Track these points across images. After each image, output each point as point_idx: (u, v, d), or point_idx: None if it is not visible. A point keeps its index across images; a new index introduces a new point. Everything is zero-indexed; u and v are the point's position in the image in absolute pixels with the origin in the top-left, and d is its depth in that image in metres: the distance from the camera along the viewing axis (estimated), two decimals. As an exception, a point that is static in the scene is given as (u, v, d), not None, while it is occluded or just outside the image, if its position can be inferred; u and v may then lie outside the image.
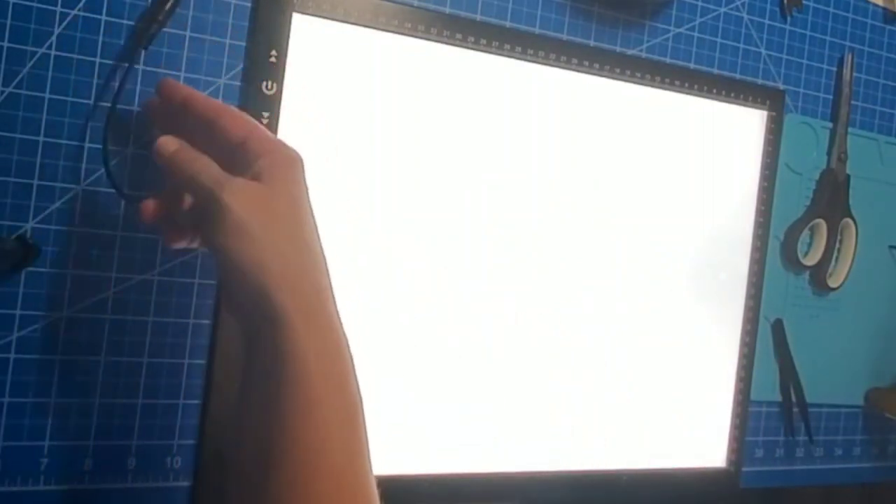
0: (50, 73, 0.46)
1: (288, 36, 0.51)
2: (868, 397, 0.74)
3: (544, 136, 0.59)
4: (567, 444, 0.61)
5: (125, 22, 0.48)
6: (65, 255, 0.47)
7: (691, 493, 0.66)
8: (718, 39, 0.66)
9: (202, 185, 0.40)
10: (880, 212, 0.73)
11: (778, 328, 0.69)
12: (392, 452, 0.55)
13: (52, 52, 0.46)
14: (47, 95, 0.46)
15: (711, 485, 0.67)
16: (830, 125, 0.71)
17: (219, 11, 0.50)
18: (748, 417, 0.68)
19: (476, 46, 0.56)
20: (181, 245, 0.46)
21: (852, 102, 0.71)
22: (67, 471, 0.48)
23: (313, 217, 0.42)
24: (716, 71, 0.66)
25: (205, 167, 0.41)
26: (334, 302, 0.40)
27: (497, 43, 0.57)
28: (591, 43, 0.61)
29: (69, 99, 0.47)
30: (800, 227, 0.69)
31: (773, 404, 0.70)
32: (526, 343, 0.59)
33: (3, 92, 0.46)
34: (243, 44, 0.51)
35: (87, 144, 0.47)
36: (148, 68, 0.49)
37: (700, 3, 0.65)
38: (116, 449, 0.49)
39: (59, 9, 0.46)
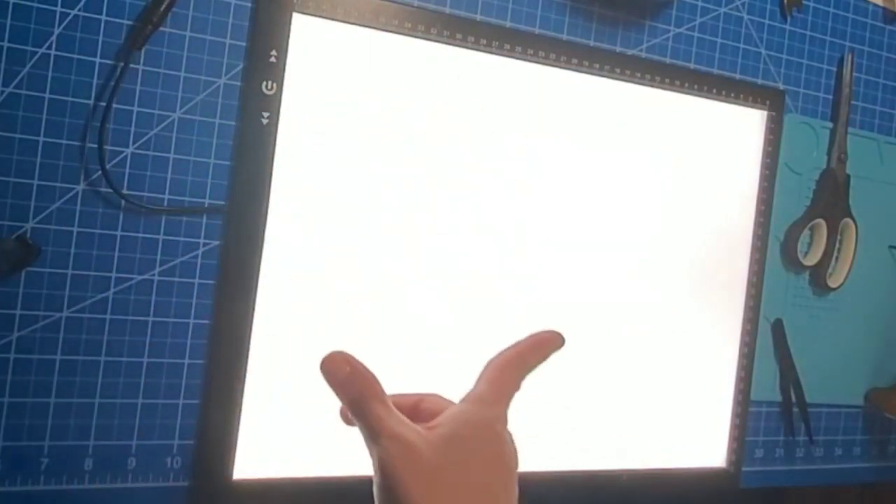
0: (50, 73, 0.46)
1: (288, 36, 0.51)
2: (868, 397, 0.74)
3: (544, 136, 0.59)
4: (567, 443, 0.61)
5: (125, 22, 0.48)
6: (65, 255, 0.47)
7: (691, 493, 0.66)
8: (718, 39, 0.66)
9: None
10: (880, 212, 0.73)
11: (778, 328, 0.69)
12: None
13: (52, 52, 0.46)
14: (47, 95, 0.46)
15: (711, 485, 0.67)
16: (830, 125, 0.71)
17: (219, 11, 0.50)
18: (748, 417, 0.68)
19: (476, 46, 0.56)
20: None
21: (852, 102, 0.71)
22: (67, 471, 0.48)
23: None
24: (716, 71, 0.66)
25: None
26: None
27: (497, 43, 0.57)
28: (591, 43, 0.61)
29: (69, 99, 0.47)
30: (800, 227, 0.69)
31: (773, 404, 0.70)
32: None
33: (3, 92, 0.46)
34: (243, 44, 0.51)
35: (87, 144, 0.47)
36: (148, 68, 0.49)
37: (700, 3, 0.65)
38: (116, 449, 0.49)
39: (59, 9, 0.47)
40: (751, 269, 0.67)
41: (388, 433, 0.33)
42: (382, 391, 0.35)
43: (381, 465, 0.33)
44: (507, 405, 0.37)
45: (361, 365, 0.35)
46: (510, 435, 0.36)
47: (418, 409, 0.39)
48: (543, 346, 0.39)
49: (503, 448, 0.35)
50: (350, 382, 0.35)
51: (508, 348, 0.39)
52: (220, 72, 0.50)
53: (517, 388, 0.38)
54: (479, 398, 0.36)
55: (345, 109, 0.53)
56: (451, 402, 0.38)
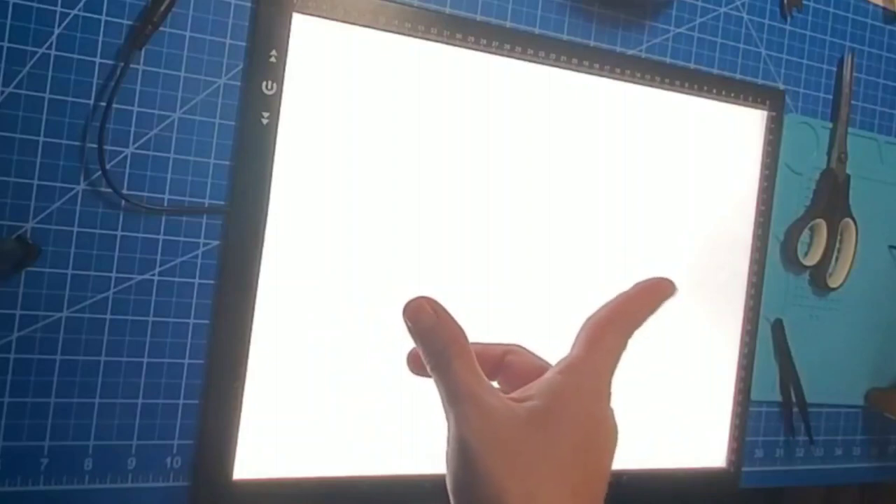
0: (50, 73, 0.46)
1: (288, 36, 0.51)
2: (868, 397, 0.74)
3: (544, 136, 0.59)
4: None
5: (124, 22, 0.48)
6: (65, 255, 0.47)
7: (691, 493, 0.66)
8: (718, 39, 0.66)
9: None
10: (880, 212, 0.73)
11: (778, 328, 0.69)
12: (392, 452, 0.55)
13: (52, 52, 0.46)
14: (47, 95, 0.46)
15: (711, 485, 0.67)
16: (830, 125, 0.71)
17: (219, 11, 0.50)
18: (748, 417, 0.68)
19: (476, 46, 0.56)
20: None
21: (852, 102, 0.71)
22: (67, 471, 0.48)
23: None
24: (716, 71, 0.66)
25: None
26: None
27: (497, 43, 0.57)
28: (591, 43, 0.61)
29: (69, 99, 0.47)
30: (800, 227, 0.69)
31: (773, 404, 0.70)
32: (526, 343, 0.59)
33: (3, 92, 0.46)
34: (243, 44, 0.51)
35: (87, 144, 0.47)
36: (148, 68, 0.49)
37: (700, 3, 0.65)
38: (116, 449, 0.49)
39: (59, 9, 0.47)
40: (751, 269, 0.67)
41: (470, 397, 0.29)
42: (468, 347, 0.31)
43: (458, 431, 0.29)
44: (610, 373, 0.31)
45: (448, 315, 0.31)
46: (612, 411, 0.31)
47: (504, 362, 0.35)
48: (651, 295, 0.34)
49: (600, 428, 0.30)
50: (434, 334, 0.31)
51: (609, 302, 0.33)
52: (220, 72, 0.50)
53: (622, 348, 0.32)
54: (574, 366, 0.31)
55: (345, 109, 0.53)
56: (536, 358, 0.34)
